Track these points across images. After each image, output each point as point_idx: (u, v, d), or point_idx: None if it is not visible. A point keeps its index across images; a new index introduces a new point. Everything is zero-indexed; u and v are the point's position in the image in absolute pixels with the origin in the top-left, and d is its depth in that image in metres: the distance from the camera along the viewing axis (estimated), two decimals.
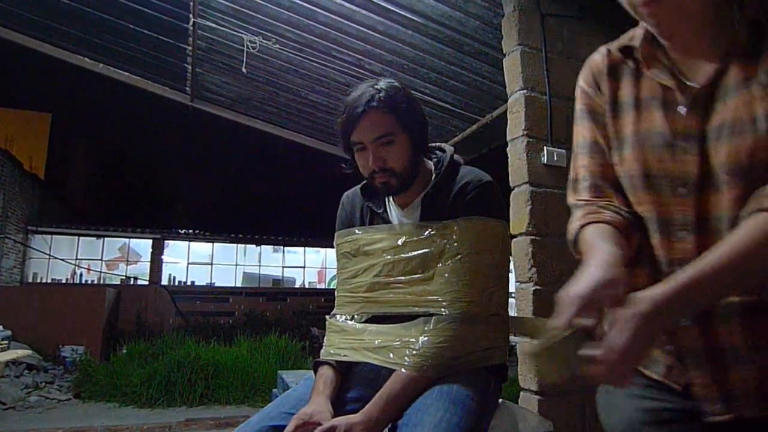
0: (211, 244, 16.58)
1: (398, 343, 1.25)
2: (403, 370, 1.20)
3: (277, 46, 3.88)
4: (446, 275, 1.28)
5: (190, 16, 3.78)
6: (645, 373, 0.93)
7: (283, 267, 17.11)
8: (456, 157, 1.44)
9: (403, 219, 1.41)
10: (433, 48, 3.57)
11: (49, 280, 14.43)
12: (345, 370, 1.33)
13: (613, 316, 0.72)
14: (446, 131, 4.85)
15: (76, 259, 15.15)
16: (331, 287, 15.18)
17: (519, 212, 2.50)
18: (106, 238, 15.68)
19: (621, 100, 0.96)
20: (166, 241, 15.88)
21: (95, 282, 14.89)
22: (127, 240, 15.90)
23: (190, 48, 4.32)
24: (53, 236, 14.80)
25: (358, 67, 4.02)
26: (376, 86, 1.31)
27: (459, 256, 1.28)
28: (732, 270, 0.73)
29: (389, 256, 1.36)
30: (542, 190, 2.50)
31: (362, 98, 1.29)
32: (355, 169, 1.41)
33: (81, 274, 15.10)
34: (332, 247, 1.54)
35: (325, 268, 17.44)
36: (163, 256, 15.68)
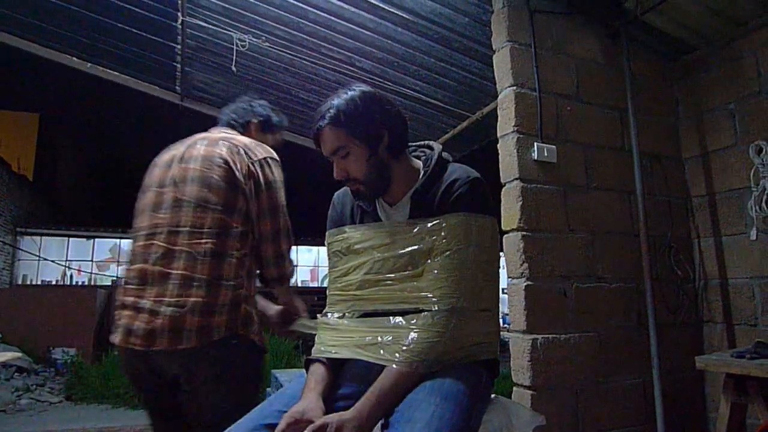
0: None
1: (389, 339, 1.26)
2: (394, 365, 1.20)
3: (267, 44, 3.86)
4: (435, 271, 1.28)
5: (179, 14, 3.76)
6: None
7: None
8: (444, 154, 1.45)
9: (393, 217, 1.42)
10: (422, 45, 3.57)
11: (39, 282, 14.33)
12: (336, 368, 1.34)
13: None
14: (437, 128, 4.86)
15: (67, 260, 15.05)
16: (324, 286, 15.16)
17: (510, 208, 2.52)
18: (96, 239, 15.60)
19: None
20: None
21: (86, 283, 14.80)
22: (117, 240, 15.81)
23: (179, 47, 4.30)
24: (43, 237, 14.70)
25: (348, 65, 4.01)
26: (332, 101, 1.37)
27: (448, 252, 1.29)
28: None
29: (379, 254, 1.37)
30: (533, 186, 2.52)
31: (316, 118, 1.37)
32: None
33: (71, 276, 15.01)
34: (324, 245, 1.55)
35: (318, 266, 17.42)
36: None
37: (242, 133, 1.87)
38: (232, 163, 1.65)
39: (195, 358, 1.51)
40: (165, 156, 1.77)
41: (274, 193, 1.71)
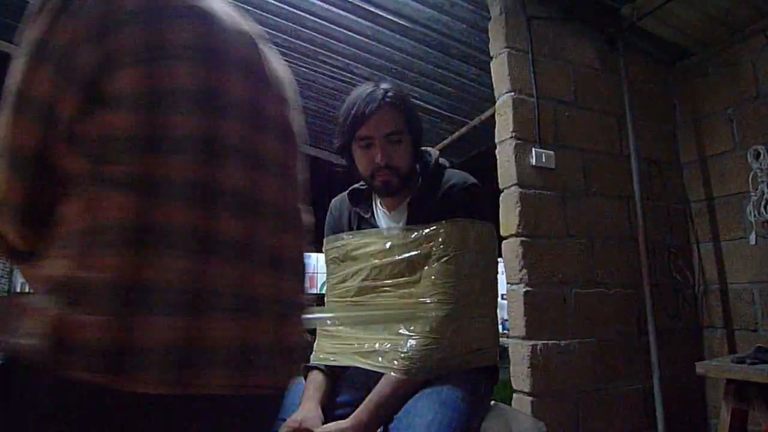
0: None
1: (387, 346, 1.25)
2: (392, 373, 1.20)
3: None
4: (433, 277, 1.28)
5: None
6: None
7: None
8: (441, 160, 1.45)
9: (390, 223, 1.41)
10: (420, 51, 3.57)
11: None
12: (335, 375, 1.33)
13: None
14: (435, 134, 4.86)
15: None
16: (323, 292, 15.12)
17: (508, 214, 2.51)
18: None
19: None
20: None
21: None
22: None
23: None
24: None
25: (346, 72, 4.02)
26: (384, 86, 1.33)
27: (445, 258, 1.28)
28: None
29: (377, 260, 1.36)
30: (531, 192, 2.51)
31: (375, 94, 1.31)
32: (349, 168, 1.41)
33: None
34: (322, 252, 1.54)
35: (317, 273, 17.35)
36: None
37: None
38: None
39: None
40: (231, 22, 0.83)
41: None
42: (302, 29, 3.54)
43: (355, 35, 3.51)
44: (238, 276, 0.71)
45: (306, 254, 0.90)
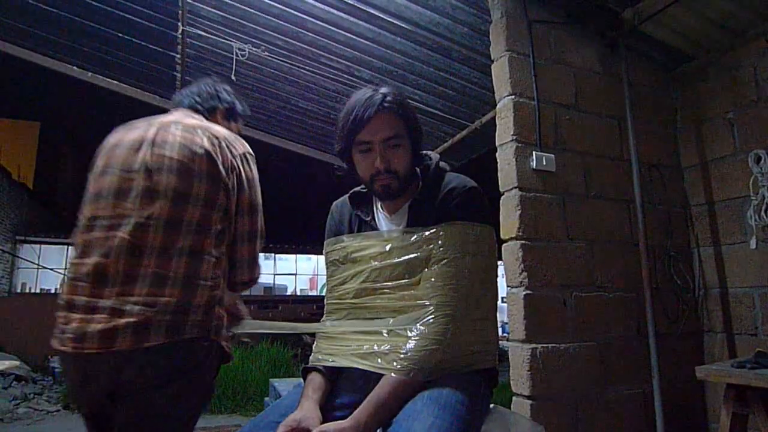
0: None
1: (386, 347, 1.25)
2: (392, 374, 1.20)
3: (267, 53, 3.88)
4: (432, 279, 1.28)
5: (179, 24, 3.77)
6: None
7: (275, 274, 17.04)
8: (441, 163, 1.45)
9: (391, 226, 1.42)
10: (421, 54, 3.58)
11: (38, 290, 14.31)
12: (334, 376, 1.33)
13: None
14: (436, 137, 4.87)
15: (66, 268, 15.01)
16: (323, 294, 15.13)
17: (509, 217, 2.51)
18: None
19: None
20: None
21: None
22: None
23: (179, 56, 4.31)
24: (42, 246, 14.69)
25: (347, 74, 4.03)
26: (383, 90, 1.33)
27: (444, 261, 1.28)
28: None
29: (376, 263, 1.36)
30: (531, 195, 2.52)
31: (374, 99, 1.31)
32: (349, 172, 1.42)
33: None
34: (323, 253, 1.54)
35: (317, 275, 17.39)
36: None
37: (207, 119, 1.72)
38: (214, 155, 1.50)
39: (161, 355, 1.34)
40: (130, 135, 1.56)
41: (254, 191, 1.60)
42: (304, 32, 3.55)
43: (356, 38, 3.52)
44: (86, 293, 1.38)
45: (170, 272, 1.39)
